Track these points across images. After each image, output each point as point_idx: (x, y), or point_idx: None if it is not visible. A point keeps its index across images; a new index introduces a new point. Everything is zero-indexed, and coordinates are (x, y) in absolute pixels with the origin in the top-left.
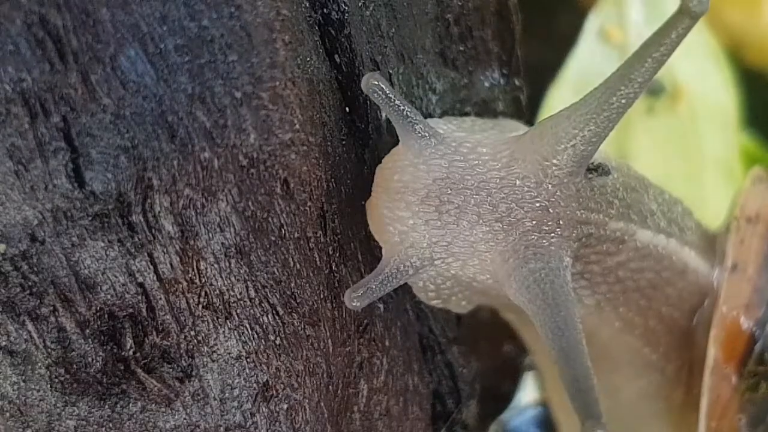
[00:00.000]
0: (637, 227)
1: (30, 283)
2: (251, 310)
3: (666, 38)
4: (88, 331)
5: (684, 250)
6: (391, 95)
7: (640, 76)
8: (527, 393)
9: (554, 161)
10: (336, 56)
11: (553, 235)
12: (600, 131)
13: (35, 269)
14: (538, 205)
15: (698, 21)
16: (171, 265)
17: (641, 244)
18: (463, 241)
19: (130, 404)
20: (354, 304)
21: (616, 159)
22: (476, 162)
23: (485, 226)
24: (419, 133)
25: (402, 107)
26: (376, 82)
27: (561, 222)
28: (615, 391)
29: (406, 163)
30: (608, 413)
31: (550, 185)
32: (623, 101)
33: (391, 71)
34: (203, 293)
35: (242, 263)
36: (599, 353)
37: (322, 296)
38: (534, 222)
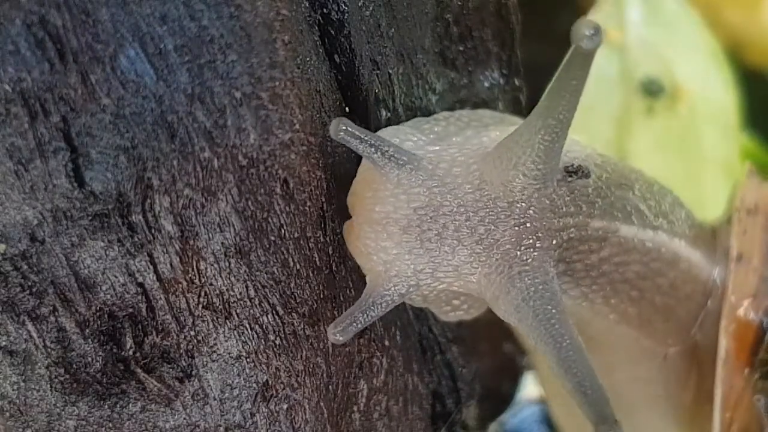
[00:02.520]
0: (621, 224)
1: (30, 283)
2: (251, 310)
3: (571, 75)
4: (87, 331)
5: (674, 241)
6: (362, 135)
7: (564, 107)
8: (527, 392)
9: (517, 181)
10: (336, 56)
11: (533, 249)
12: (547, 149)
13: (35, 269)
14: (513, 223)
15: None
16: (171, 265)
17: (624, 239)
18: (447, 266)
19: (130, 404)
20: (337, 338)
21: (602, 156)
22: (453, 186)
23: (466, 249)
24: (395, 162)
25: (376, 143)
26: (344, 127)
27: (540, 234)
28: (610, 371)
29: (387, 194)
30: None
31: (522, 203)
32: (561, 120)
33: (390, 71)
34: (203, 293)
35: (242, 263)
36: (595, 343)
37: (321, 296)
38: (513, 239)
